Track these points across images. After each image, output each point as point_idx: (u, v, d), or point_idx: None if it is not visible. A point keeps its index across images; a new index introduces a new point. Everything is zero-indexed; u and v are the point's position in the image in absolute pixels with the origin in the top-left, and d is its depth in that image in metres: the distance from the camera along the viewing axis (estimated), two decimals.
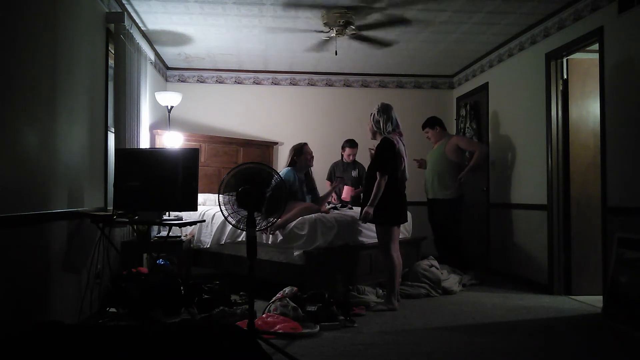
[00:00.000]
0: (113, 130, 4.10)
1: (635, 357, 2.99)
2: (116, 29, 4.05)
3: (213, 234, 4.66)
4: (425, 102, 6.85)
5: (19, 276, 2.57)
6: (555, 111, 4.61)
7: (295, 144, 4.73)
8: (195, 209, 3.45)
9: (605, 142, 3.93)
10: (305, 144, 4.67)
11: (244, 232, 2.94)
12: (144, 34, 5.00)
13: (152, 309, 3.42)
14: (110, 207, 3.80)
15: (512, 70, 5.38)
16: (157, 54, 5.76)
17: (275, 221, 3.05)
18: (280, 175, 2.98)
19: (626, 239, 3.63)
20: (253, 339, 2.58)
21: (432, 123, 5.40)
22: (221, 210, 2.94)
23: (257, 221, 2.92)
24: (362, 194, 4.47)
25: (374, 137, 4.15)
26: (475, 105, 6.18)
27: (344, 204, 5.25)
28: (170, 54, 5.87)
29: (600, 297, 3.90)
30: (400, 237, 4.87)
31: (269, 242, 4.24)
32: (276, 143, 6.66)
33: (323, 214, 4.29)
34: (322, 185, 5.90)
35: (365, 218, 3.96)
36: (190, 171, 3.40)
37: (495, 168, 5.72)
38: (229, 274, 4.74)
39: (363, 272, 4.36)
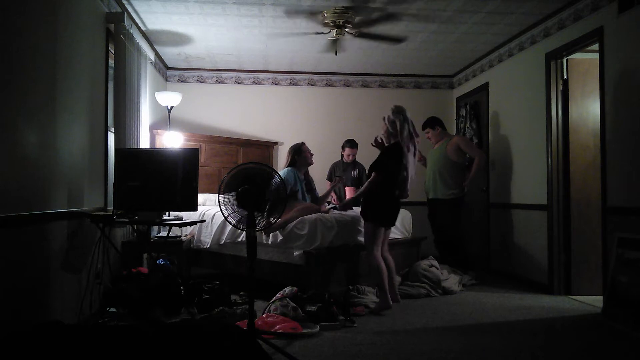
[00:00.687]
0: (113, 130, 4.10)
1: (635, 357, 2.99)
2: (116, 29, 4.05)
3: (213, 234, 4.66)
4: (425, 102, 6.84)
5: (19, 276, 2.57)
6: (555, 111, 4.61)
7: (294, 143, 4.74)
8: (195, 209, 3.45)
9: (605, 142, 3.93)
10: (303, 143, 4.68)
11: (244, 232, 2.94)
12: (144, 34, 5.00)
13: (152, 309, 3.41)
14: (110, 207, 3.80)
15: (512, 70, 5.38)
16: (157, 54, 5.76)
17: (276, 221, 3.05)
18: (280, 175, 2.98)
19: (626, 239, 3.63)
20: (253, 339, 2.58)
21: (433, 123, 5.40)
22: (221, 211, 2.94)
23: (257, 221, 2.92)
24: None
25: (388, 141, 4.06)
26: (475, 105, 6.18)
27: None
28: (170, 54, 5.87)
29: (600, 297, 3.90)
30: (400, 237, 4.89)
31: (269, 242, 4.24)
32: (276, 143, 6.66)
33: (323, 214, 4.29)
34: (322, 185, 5.90)
35: (344, 205, 4.36)
36: (190, 171, 3.40)
37: (495, 168, 5.73)
38: (229, 274, 4.74)
39: (363, 272, 4.35)
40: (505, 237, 5.44)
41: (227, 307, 3.62)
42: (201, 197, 5.03)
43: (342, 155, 5.85)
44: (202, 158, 5.88)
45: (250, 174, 2.87)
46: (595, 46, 4.05)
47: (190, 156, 3.46)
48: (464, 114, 6.30)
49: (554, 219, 4.58)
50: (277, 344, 2.86)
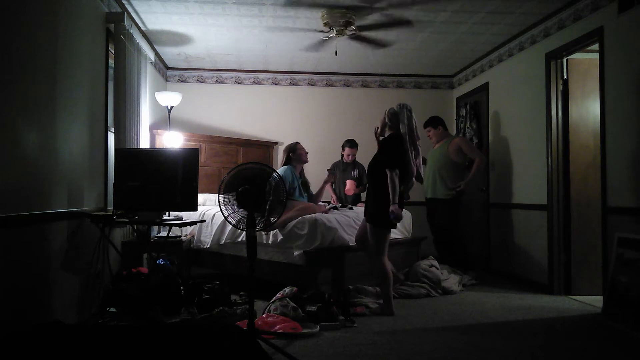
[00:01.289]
0: (113, 130, 4.10)
1: (635, 357, 2.99)
2: (116, 29, 4.05)
3: (213, 234, 4.66)
4: (425, 102, 6.84)
5: (19, 276, 2.57)
6: (555, 111, 4.61)
7: (288, 143, 4.79)
8: (195, 209, 3.45)
9: (606, 142, 3.93)
10: (298, 142, 4.73)
11: (244, 232, 2.94)
12: (144, 34, 5.00)
13: (152, 309, 3.41)
14: (110, 207, 3.80)
15: (512, 70, 5.38)
16: (157, 54, 5.76)
17: (276, 221, 3.05)
18: (280, 175, 2.98)
19: (626, 239, 3.63)
20: (253, 339, 2.58)
21: (435, 123, 5.39)
22: (221, 211, 2.94)
23: (257, 221, 2.92)
24: (366, 193, 4.18)
25: (382, 133, 3.92)
26: (475, 105, 6.18)
27: (344, 204, 5.26)
28: (170, 54, 5.87)
29: (600, 297, 3.90)
30: (400, 237, 4.89)
31: (269, 242, 4.24)
32: (276, 143, 6.66)
33: (322, 213, 4.29)
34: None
35: (397, 217, 3.70)
36: (190, 171, 3.40)
37: (495, 168, 5.72)
38: (229, 274, 4.74)
39: (363, 272, 4.35)
40: (505, 237, 5.44)
41: (227, 307, 3.62)
42: (201, 197, 5.03)
43: (342, 155, 5.85)
44: (202, 158, 5.88)
45: (250, 174, 2.88)
46: (595, 46, 4.05)
47: (190, 156, 3.46)
48: (464, 114, 6.30)
49: (554, 219, 4.58)
50: (277, 344, 2.86)
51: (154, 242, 4.09)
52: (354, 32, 4.78)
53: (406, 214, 5.11)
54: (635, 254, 3.51)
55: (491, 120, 5.87)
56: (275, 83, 6.76)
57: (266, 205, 2.92)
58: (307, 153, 4.73)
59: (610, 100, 3.89)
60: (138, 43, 4.45)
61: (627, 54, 3.70)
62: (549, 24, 4.63)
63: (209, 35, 5.18)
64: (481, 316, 3.80)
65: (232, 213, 2.93)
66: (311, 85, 6.81)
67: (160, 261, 3.90)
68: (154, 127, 5.56)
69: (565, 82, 4.58)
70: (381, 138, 3.99)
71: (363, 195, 5.86)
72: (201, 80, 6.62)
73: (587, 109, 4.51)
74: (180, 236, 4.52)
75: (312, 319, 3.42)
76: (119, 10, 4.18)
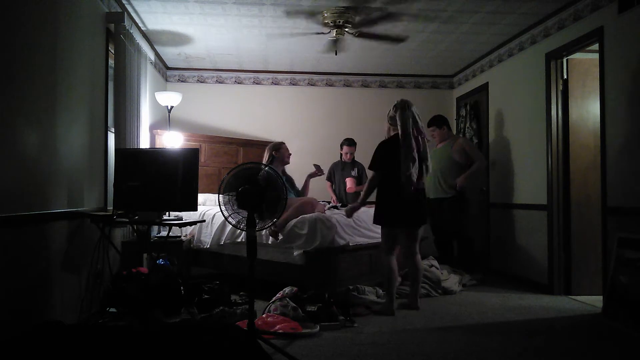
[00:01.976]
0: (113, 130, 4.10)
1: (635, 357, 2.99)
2: (116, 29, 4.05)
3: (213, 234, 4.66)
4: (425, 102, 6.82)
5: (19, 276, 2.57)
6: (555, 111, 4.61)
7: (273, 142, 4.80)
8: (195, 209, 3.45)
9: (605, 142, 3.93)
10: (283, 142, 4.75)
11: (244, 232, 2.94)
12: (144, 34, 5.00)
13: (152, 309, 3.42)
14: (110, 207, 3.80)
15: (512, 70, 5.38)
16: (157, 54, 5.76)
17: (276, 221, 3.05)
18: (280, 175, 2.98)
19: (626, 239, 3.63)
20: (253, 339, 2.58)
21: (440, 122, 5.36)
22: (221, 211, 2.94)
23: (257, 221, 2.91)
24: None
25: (388, 135, 4.10)
26: (475, 105, 6.18)
27: (344, 204, 5.26)
28: (170, 54, 5.87)
29: (600, 297, 3.90)
30: None
31: (269, 242, 4.24)
32: None
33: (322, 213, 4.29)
34: (323, 186, 5.90)
35: (350, 211, 4.18)
36: (190, 171, 3.40)
37: (495, 168, 5.72)
38: (229, 274, 4.74)
39: (363, 272, 4.35)
40: (505, 237, 5.44)
41: (227, 307, 3.62)
42: (201, 197, 5.02)
43: (341, 155, 5.86)
44: (202, 158, 5.88)
45: (250, 174, 2.87)
46: (595, 46, 4.05)
47: (190, 156, 3.46)
48: (464, 114, 6.30)
49: (554, 219, 4.58)
50: (277, 344, 2.86)
51: (154, 242, 4.09)
52: (354, 32, 4.77)
53: None
54: (635, 254, 3.51)
55: (491, 120, 5.87)
56: (275, 83, 6.76)
57: (265, 205, 2.91)
58: (290, 155, 4.73)
59: (610, 100, 3.88)
60: (138, 43, 4.45)
61: (627, 54, 3.70)
62: (549, 24, 4.63)
63: (209, 35, 5.18)
64: (481, 316, 3.80)
65: (232, 213, 2.93)
66: (311, 85, 6.81)
67: (160, 261, 3.90)
68: (154, 127, 5.56)
69: (565, 82, 4.58)
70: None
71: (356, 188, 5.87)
72: (201, 80, 6.62)
73: (587, 109, 4.51)
74: (180, 236, 4.52)
75: (312, 319, 3.42)
76: (119, 10, 4.18)
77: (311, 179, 4.82)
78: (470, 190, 5.34)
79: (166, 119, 5.37)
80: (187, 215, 4.39)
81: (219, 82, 6.65)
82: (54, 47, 2.99)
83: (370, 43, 5.37)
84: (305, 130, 6.64)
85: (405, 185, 3.80)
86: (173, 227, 3.70)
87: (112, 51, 4.13)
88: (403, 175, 3.78)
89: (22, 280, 2.62)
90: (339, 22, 4.53)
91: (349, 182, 5.63)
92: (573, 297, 4.42)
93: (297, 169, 5.29)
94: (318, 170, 4.78)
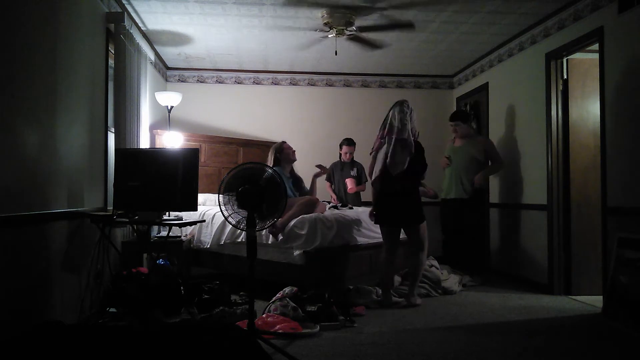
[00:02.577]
0: (113, 130, 4.10)
1: (635, 357, 2.99)
2: (116, 29, 4.05)
3: (213, 234, 4.66)
4: (425, 102, 6.84)
5: (19, 276, 2.57)
6: (555, 111, 4.61)
7: (275, 143, 4.77)
8: (195, 209, 3.45)
9: (605, 142, 3.93)
10: (284, 142, 4.73)
11: (244, 232, 2.94)
12: (144, 34, 5.00)
13: (152, 309, 3.41)
14: (110, 207, 3.80)
15: (512, 70, 5.37)
16: (157, 54, 5.76)
17: (276, 221, 3.05)
18: (280, 175, 2.98)
19: (626, 239, 3.63)
20: (253, 339, 2.58)
21: (465, 117, 5.26)
22: (221, 211, 2.94)
23: (257, 221, 2.92)
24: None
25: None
26: (475, 105, 6.18)
27: (344, 204, 5.26)
28: (170, 54, 5.86)
29: (600, 297, 3.90)
30: (400, 237, 4.87)
31: (269, 242, 4.24)
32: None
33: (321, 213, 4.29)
34: (322, 186, 5.90)
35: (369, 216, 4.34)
36: (190, 171, 3.40)
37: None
38: (229, 274, 4.74)
39: (363, 272, 4.36)
40: (505, 237, 5.44)
41: (227, 307, 3.62)
42: (201, 197, 5.02)
43: (340, 155, 5.86)
44: (202, 158, 5.87)
45: (250, 174, 2.88)
46: (595, 46, 4.05)
47: (190, 156, 3.46)
48: None
49: (554, 219, 4.58)
50: (277, 344, 2.86)
51: (154, 242, 4.09)
52: (354, 32, 4.77)
53: None
54: (635, 254, 3.51)
55: (491, 120, 5.87)
56: (275, 83, 6.76)
57: (266, 205, 2.91)
58: (294, 151, 4.70)
59: (610, 100, 3.88)
60: (138, 43, 4.44)
61: (627, 54, 3.70)
62: (549, 24, 4.63)
63: (209, 35, 5.18)
64: (481, 316, 3.80)
65: (232, 213, 2.93)
66: (311, 85, 6.81)
67: (160, 261, 3.90)
68: (154, 127, 5.56)
69: (565, 82, 4.58)
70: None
71: (364, 195, 5.87)
72: (201, 80, 6.62)
73: (587, 109, 4.50)
74: (180, 236, 4.52)
75: (312, 319, 3.42)
76: (119, 10, 4.18)
77: (317, 179, 4.83)
78: (485, 187, 5.24)
79: (166, 119, 5.37)
80: (187, 215, 4.39)
81: (219, 82, 6.65)
82: (54, 47, 2.99)
83: (367, 44, 5.37)
84: (305, 130, 6.64)
85: (386, 182, 4.03)
86: (173, 227, 3.70)
87: (112, 51, 4.13)
88: (376, 173, 4.09)
89: (22, 280, 2.62)
90: (339, 22, 4.52)
91: (349, 183, 5.64)
92: (573, 297, 4.42)
93: (297, 169, 5.28)
94: (322, 169, 4.84)
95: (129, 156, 3.60)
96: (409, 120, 4.04)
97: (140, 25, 4.81)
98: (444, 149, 5.46)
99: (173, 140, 5.27)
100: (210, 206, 5.05)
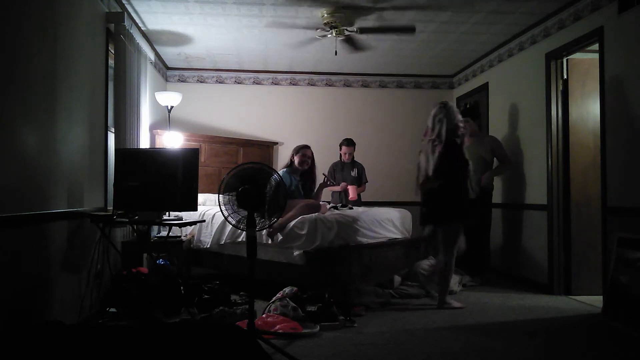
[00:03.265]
0: (113, 130, 4.10)
1: (636, 358, 2.99)
2: (116, 29, 4.05)
3: (213, 234, 4.65)
4: (425, 102, 6.81)
5: (19, 276, 2.57)
6: (555, 111, 4.61)
7: (298, 144, 4.64)
8: (195, 209, 3.45)
9: (605, 142, 3.93)
10: (306, 146, 4.58)
11: (244, 232, 2.93)
12: (144, 34, 5.00)
13: (152, 309, 3.42)
14: (110, 207, 3.80)
15: (512, 70, 5.37)
16: (157, 54, 5.76)
17: (276, 221, 3.05)
18: (280, 175, 2.98)
19: (626, 239, 3.63)
20: (253, 339, 2.58)
21: (475, 114, 5.20)
22: (221, 211, 2.94)
23: (257, 221, 2.91)
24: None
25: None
26: (476, 105, 6.17)
27: (344, 204, 5.25)
28: (170, 53, 5.86)
29: (601, 297, 3.90)
30: (400, 237, 4.88)
31: (269, 242, 4.23)
32: (276, 143, 6.66)
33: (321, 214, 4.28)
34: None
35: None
36: (190, 171, 3.40)
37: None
38: (229, 274, 4.74)
39: (363, 272, 4.34)
40: (505, 237, 5.43)
41: (227, 307, 3.62)
42: (201, 197, 5.02)
43: (340, 155, 5.85)
44: (202, 158, 5.88)
45: (250, 174, 2.87)
46: (595, 46, 4.05)
47: (190, 156, 3.45)
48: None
49: (554, 219, 4.58)
50: (277, 344, 2.86)
51: (154, 242, 4.09)
52: (353, 32, 4.77)
53: (406, 214, 5.11)
54: (635, 254, 3.51)
55: (491, 120, 5.87)
56: (275, 83, 6.76)
57: (266, 205, 2.91)
58: (304, 161, 4.51)
59: (610, 100, 3.88)
60: (138, 43, 4.44)
61: (627, 53, 3.69)
62: (549, 24, 4.63)
63: (209, 35, 5.18)
64: (481, 316, 3.80)
65: (232, 213, 2.93)
66: (311, 85, 6.81)
67: (160, 261, 3.90)
68: (154, 127, 5.56)
69: (565, 82, 4.57)
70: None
71: (363, 195, 5.87)
72: (201, 80, 6.62)
73: (587, 109, 4.50)
74: (180, 236, 4.52)
75: (312, 319, 3.42)
76: (119, 10, 4.18)
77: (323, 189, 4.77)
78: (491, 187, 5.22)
79: (166, 119, 5.37)
80: (187, 215, 4.38)
81: (219, 82, 6.65)
82: (53, 47, 2.99)
83: (370, 43, 5.37)
84: (305, 130, 6.64)
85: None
86: (173, 227, 3.70)
87: (112, 51, 4.12)
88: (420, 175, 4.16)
89: (22, 280, 2.62)
90: (339, 22, 4.52)
91: (351, 192, 5.59)
92: (573, 297, 4.42)
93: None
94: (328, 180, 4.82)
95: (129, 156, 3.60)
96: (442, 122, 4.01)
97: (140, 25, 4.80)
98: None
99: (173, 140, 5.27)
100: (210, 206, 5.05)
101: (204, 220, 4.68)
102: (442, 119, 4.02)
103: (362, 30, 4.84)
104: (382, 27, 4.86)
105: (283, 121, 6.70)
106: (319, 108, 6.80)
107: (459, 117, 4.09)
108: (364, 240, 4.41)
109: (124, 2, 4.26)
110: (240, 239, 4.39)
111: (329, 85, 6.84)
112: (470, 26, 4.90)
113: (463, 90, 6.67)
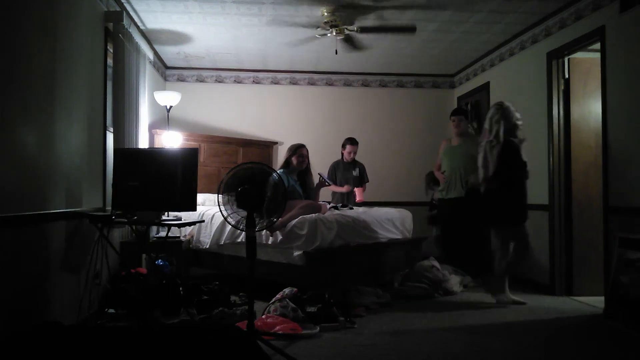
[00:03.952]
0: (112, 130, 4.08)
1: (636, 358, 2.98)
2: (115, 28, 4.03)
3: (212, 234, 4.64)
4: (426, 101, 6.83)
5: (17, 276, 2.56)
6: (556, 111, 4.60)
7: (292, 144, 4.61)
8: (195, 209, 3.43)
9: (607, 141, 3.91)
10: (301, 145, 4.55)
11: (244, 232, 2.92)
12: (143, 33, 4.98)
13: (151, 310, 3.40)
14: (109, 207, 3.78)
15: (514, 70, 5.36)
16: (156, 53, 5.74)
17: (276, 221, 3.03)
18: (280, 175, 2.97)
19: (627, 239, 3.61)
20: (253, 340, 2.57)
21: (467, 113, 5.23)
22: (220, 211, 2.92)
23: (257, 221, 2.90)
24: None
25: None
26: (477, 105, 6.17)
27: (344, 204, 5.24)
28: (169, 53, 5.85)
29: (602, 298, 3.89)
30: (400, 237, 4.87)
31: (269, 243, 4.21)
32: (276, 143, 6.64)
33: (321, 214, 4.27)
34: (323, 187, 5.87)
35: None
36: (190, 171, 3.38)
37: None
38: (228, 274, 4.72)
39: (363, 273, 4.34)
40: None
41: (226, 308, 3.61)
42: (200, 197, 5.01)
43: (342, 154, 5.83)
44: (201, 158, 5.86)
45: (249, 174, 2.86)
46: (597, 45, 4.03)
47: (190, 156, 3.44)
48: None
49: (555, 219, 4.56)
50: (277, 345, 2.85)
51: (152, 243, 4.07)
52: (353, 31, 4.75)
53: (407, 214, 5.09)
54: (636, 254, 3.49)
55: None
56: (275, 82, 6.74)
57: (265, 205, 2.89)
58: (302, 160, 4.49)
59: (611, 99, 3.87)
60: (137, 42, 4.42)
61: (628, 53, 3.68)
62: (550, 23, 4.61)
63: (208, 34, 5.16)
64: (482, 316, 3.79)
65: (232, 213, 2.92)
66: (311, 84, 6.79)
67: (159, 262, 3.89)
68: (152, 127, 5.54)
69: (567, 82, 4.56)
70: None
71: (364, 195, 5.85)
72: (200, 80, 6.60)
73: (589, 109, 4.49)
74: (179, 236, 4.50)
75: (312, 320, 3.41)
76: (118, 9, 4.16)
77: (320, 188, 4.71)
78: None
79: (165, 118, 5.35)
80: (187, 216, 4.36)
81: (219, 82, 6.63)
82: (52, 46, 2.97)
83: (370, 42, 5.36)
84: (305, 129, 6.62)
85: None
86: (172, 227, 3.68)
87: (111, 50, 4.11)
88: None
89: (21, 281, 2.60)
90: (339, 21, 4.51)
91: (358, 195, 5.60)
92: (574, 297, 4.40)
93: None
94: (324, 180, 4.69)
95: (128, 156, 3.58)
96: (500, 123, 4.07)
97: (139, 24, 4.79)
98: (439, 150, 5.41)
99: (172, 140, 5.25)
100: (209, 206, 5.03)
101: (203, 221, 4.67)
102: (499, 120, 4.08)
103: (363, 30, 4.82)
104: (383, 27, 4.86)
105: (283, 121, 6.69)
106: (319, 107, 6.78)
107: (517, 115, 4.12)
108: (364, 240, 4.40)
109: (122, 1, 4.24)
110: (239, 240, 4.37)
111: (329, 85, 6.83)
112: (470, 25, 4.88)
113: (464, 90, 6.66)
